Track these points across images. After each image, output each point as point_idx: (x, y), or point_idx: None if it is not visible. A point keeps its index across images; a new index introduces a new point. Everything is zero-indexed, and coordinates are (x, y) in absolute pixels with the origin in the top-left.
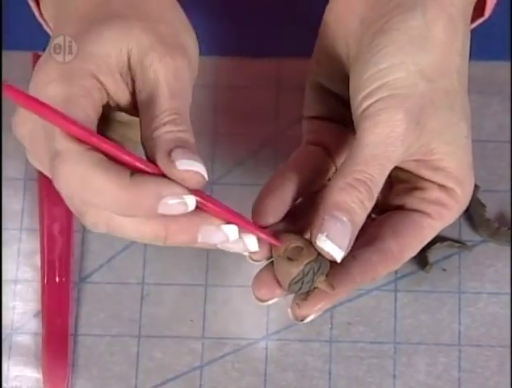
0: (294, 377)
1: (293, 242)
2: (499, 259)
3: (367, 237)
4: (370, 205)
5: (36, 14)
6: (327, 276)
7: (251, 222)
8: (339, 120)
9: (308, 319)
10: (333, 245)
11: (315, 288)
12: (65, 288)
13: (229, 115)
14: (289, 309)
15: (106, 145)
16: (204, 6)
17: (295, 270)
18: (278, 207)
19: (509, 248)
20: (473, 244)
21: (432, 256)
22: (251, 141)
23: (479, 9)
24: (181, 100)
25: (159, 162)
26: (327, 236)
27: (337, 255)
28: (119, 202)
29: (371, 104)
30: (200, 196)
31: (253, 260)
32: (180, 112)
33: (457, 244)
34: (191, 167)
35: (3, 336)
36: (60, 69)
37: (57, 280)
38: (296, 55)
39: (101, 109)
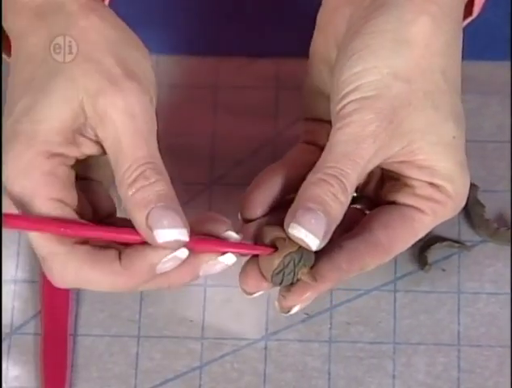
0: (293, 377)
1: (275, 234)
2: (498, 259)
3: (356, 230)
4: (344, 199)
5: None
6: (311, 268)
7: (243, 244)
8: None
9: (294, 310)
10: (305, 231)
11: (298, 279)
12: (64, 289)
13: (228, 115)
14: (276, 302)
15: (89, 232)
16: (203, 7)
17: (276, 261)
18: (265, 200)
19: (508, 248)
20: (472, 244)
21: (431, 256)
22: (250, 141)
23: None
24: (145, 143)
25: (139, 231)
26: (300, 224)
27: (311, 242)
28: (117, 286)
29: (344, 106)
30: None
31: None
32: (147, 159)
33: (456, 244)
34: (170, 237)
35: (2, 336)
36: (17, 162)
37: None
38: (295, 55)
39: (72, 172)
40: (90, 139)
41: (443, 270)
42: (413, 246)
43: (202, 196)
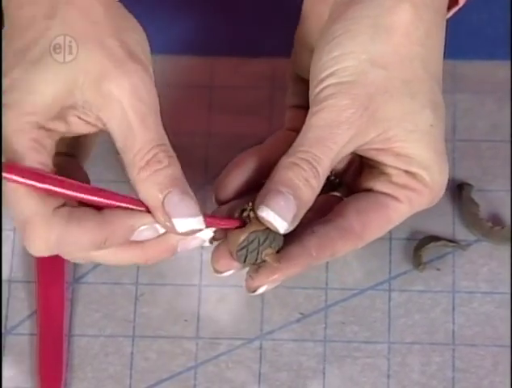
0: (288, 376)
1: (245, 212)
2: (493, 259)
3: (330, 215)
4: (316, 184)
5: None
6: (278, 251)
7: (212, 216)
8: None
9: (261, 290)
10: (274, 214)
11: (264, 261)
12: (59, 289)
13: (223, 114)
14: (244, 282)
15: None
16: (199, 7)
17: (241, 237)
18: (239, 182)
19: (503, 247)
20: (467, 243)
21: (426, 256)
22: (245, 141)
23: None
24: (154, 125)
25: (155, 215)
26: (269, 207)
27: (279, 225)
28: (96, 241)
29: (321, 90)
30: None
31: (215, 240)
32: (158, 141)
33: (451, 243)
34: (187, 227)
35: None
36: (8, 129)
37: (52, 280)
38: (290, 55)
39: (54, 148)
40: (83, 119)
41: (438, 269)
42: (407, 245)
43: (196, 195)
